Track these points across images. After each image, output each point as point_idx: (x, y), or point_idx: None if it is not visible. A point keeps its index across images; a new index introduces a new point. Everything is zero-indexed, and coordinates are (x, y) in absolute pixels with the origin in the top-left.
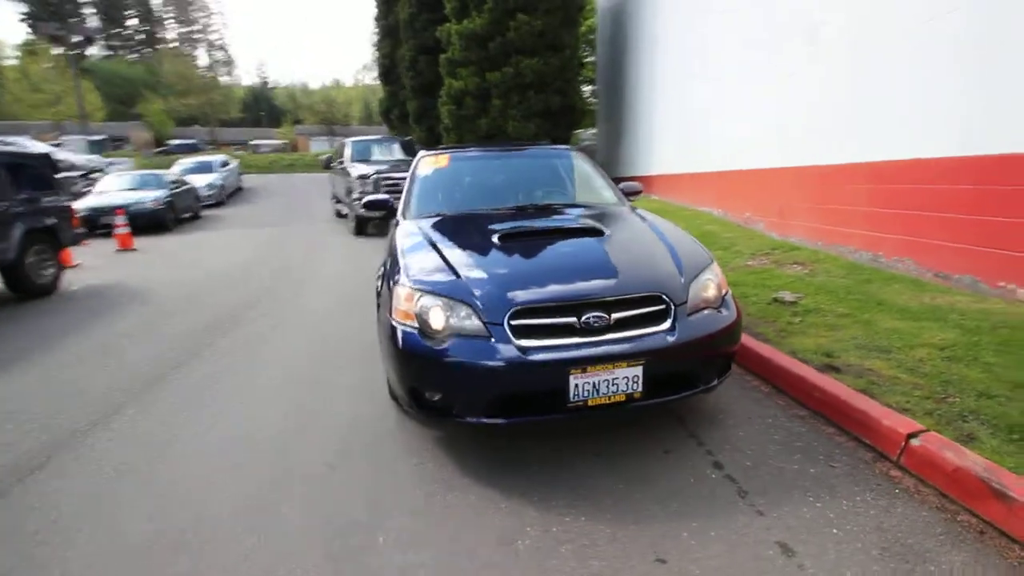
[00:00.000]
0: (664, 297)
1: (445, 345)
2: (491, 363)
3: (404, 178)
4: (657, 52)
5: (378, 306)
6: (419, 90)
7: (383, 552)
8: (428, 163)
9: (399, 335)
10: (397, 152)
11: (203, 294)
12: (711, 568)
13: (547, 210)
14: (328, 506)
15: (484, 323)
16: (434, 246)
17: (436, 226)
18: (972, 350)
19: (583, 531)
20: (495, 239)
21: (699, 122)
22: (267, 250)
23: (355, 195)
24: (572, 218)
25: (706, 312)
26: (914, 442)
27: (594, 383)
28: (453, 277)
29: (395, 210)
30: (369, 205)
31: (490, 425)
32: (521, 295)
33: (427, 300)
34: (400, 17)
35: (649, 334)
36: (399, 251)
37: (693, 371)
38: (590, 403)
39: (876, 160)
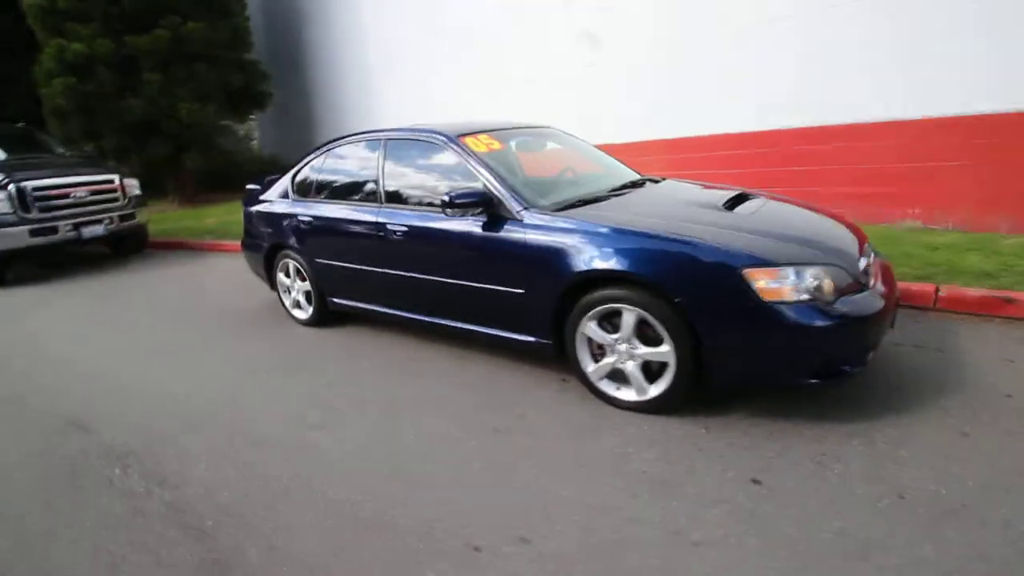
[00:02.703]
0: None
1: (845, 308)
2: (874, 311)
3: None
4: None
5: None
6: None
7: None
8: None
9: (788, 312)
10: None
11: None
12: None
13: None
14: None
15: (855, 280)
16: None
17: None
18: None
19: None
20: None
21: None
22: None
23: None
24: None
25: None
26: None
27: None
28: (801, 246)
29: (492, 201)
30: (455, 203)
31: None
32: (840, 250)
33: (814, 271)
34: None
35: None
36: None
37: None
38: None
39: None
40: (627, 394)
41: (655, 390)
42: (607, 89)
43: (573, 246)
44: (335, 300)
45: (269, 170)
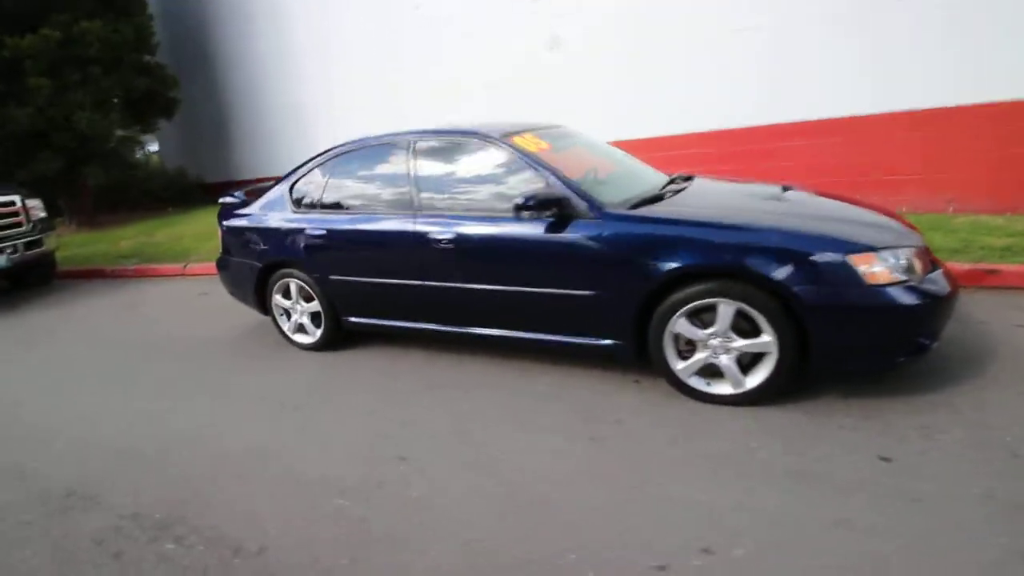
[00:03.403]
0: None
1: (931, 287)
2: (951, 287)
3: None
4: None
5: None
6: None
7: None
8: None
9: (890, 294)
10: None
11: None
12: None
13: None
14: None
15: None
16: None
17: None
18: None
19: None
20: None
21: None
22: None
23: None
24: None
25: None
26: None
27: None
28: (881, 230)
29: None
30: (530, 206)
31: None
32: (910, 232)
33: (906, 253)
34: None
35: None
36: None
37: None
38: None
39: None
40: (721, 388)
41: (752, 381)
42: (576, 91)
43: (665, 243)
44: (353, 319)
45: (180, 184)
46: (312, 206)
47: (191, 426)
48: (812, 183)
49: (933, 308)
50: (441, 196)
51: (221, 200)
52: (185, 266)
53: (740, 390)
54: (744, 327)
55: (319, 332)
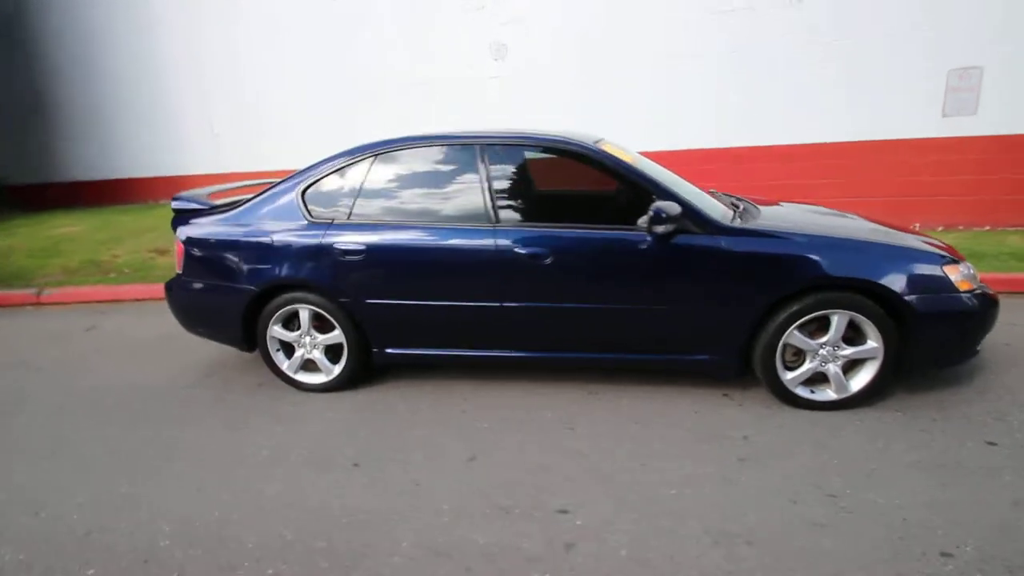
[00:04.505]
0: None
1: (990, 292)
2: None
3: None
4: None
5: None
6: None
7: None
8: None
9: (974, 299)
10: None
11: None
12: None
13: None
14: None
15: None
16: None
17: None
18: None
19: None
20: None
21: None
22: None
23: None
24: None
25: None
26: None
27: None
28: (932, 246)
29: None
30: (663, 219)
31: None
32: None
33: (970, 264)
34: None
35: None
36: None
37: None
38: None
39: None
40: (824, 395)
41: (856, 386)
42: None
43: (784, 258)
44: (392, 351)
45: None
46: (338, 216)
47: (203, 511)
48: None
49: (996, 310)
50: (525, 207)
51: (175, 205)
52: (39, 293)
53: (844, 395)
54: (848, 335)
55: (337, 368)
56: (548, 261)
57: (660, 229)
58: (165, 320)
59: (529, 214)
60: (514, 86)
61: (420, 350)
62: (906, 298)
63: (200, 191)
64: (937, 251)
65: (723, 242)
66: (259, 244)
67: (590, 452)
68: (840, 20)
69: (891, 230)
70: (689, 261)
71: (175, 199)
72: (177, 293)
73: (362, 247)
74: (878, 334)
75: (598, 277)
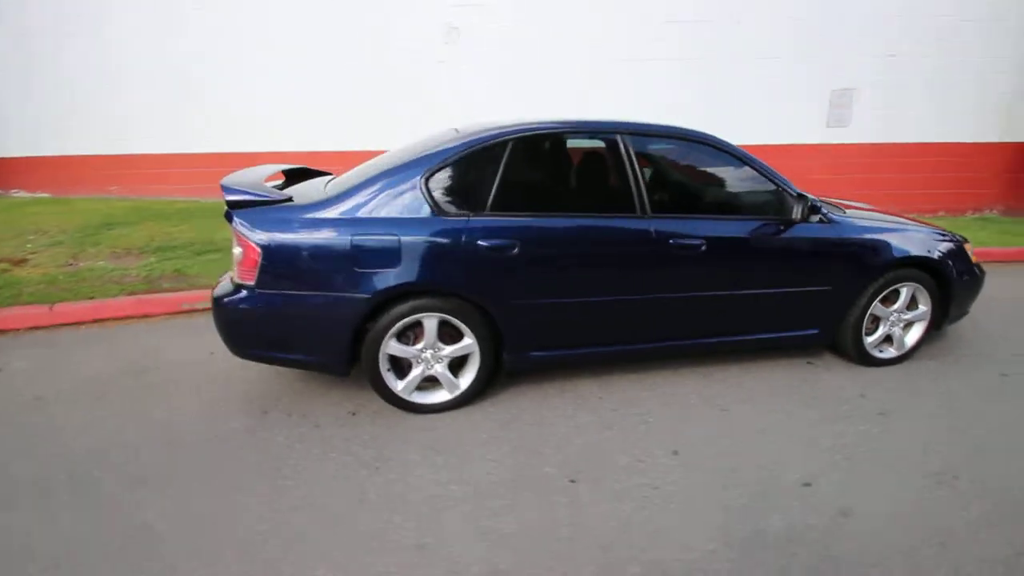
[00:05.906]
0: None
1: None
2: None
3: None
4: None
5: None
6: None
7: None
8: None
9: (981, 268)
10: None
11: None
12: None
13: None
14: None
15: None
16: None
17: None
18: None
19: None
20: None
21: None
22: None
23: None
24: None
25: None
26: None
27: None
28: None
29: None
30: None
31: None
32: None
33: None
34: None
35: None
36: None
37: None
38: None
39: None
40: (890, 354)
41: (909, 343)
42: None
43: (881, 244)
44: (536, 354)
45: None
46: (476, 209)
47: None
48: None
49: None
50: (672, 197)
51: (229, 198)
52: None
53: (902, 351)
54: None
55: (466, 382)
56: (703, 250)
57: (815, 219)
58: (103, 351)
59: (678, 204)
60: (463, 72)
61: (562, 351)
62: (952, 271)
63: (250, 174)
64: (954, 233)
65: (843, 231)
66: (375, 245)
67: (767, 428)
68: (748, 40)
69: (912, 219)
70: (819, 247)
71: (226, 190)
72: (245, 309)
73: (512, 242)
74: (928, 300)
75: (747, 264)
